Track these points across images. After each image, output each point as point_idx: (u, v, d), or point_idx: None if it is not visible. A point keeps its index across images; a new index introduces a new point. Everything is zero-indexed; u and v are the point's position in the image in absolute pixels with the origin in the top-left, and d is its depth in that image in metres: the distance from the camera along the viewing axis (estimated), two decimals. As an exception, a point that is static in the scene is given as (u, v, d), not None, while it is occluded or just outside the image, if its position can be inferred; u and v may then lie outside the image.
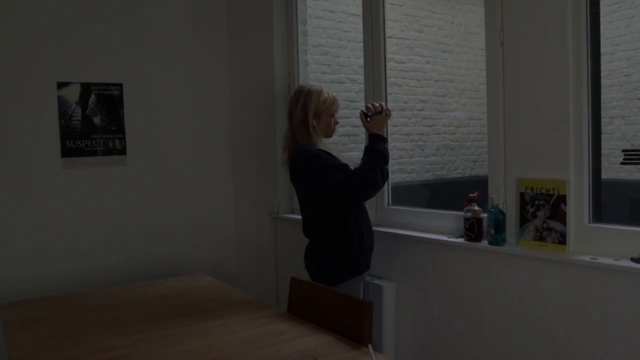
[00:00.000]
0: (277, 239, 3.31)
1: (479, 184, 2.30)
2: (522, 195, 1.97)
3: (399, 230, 2.47)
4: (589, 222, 1.86)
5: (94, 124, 3.14)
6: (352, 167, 2.21)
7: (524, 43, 1.94)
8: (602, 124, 1.95)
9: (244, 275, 3.59)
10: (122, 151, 3.22)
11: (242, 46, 3.49)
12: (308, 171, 2.24)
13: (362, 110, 2.27)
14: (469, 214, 2.12)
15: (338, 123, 2.41)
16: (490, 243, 2.04)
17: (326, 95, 2.32)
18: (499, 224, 2.01)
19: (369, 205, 2.70)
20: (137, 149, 3.28)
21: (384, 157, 2.18)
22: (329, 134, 2.37)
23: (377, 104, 2.27)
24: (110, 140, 3.19)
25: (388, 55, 2.66)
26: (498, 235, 2.02)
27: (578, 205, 1.86)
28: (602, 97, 1.92)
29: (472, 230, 2.11)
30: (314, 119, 2.28)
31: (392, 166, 2.73)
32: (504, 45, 2.01)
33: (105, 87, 3.16)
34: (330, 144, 2.50)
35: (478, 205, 2.12)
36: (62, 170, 3.05)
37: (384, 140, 2.23)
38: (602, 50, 1.93)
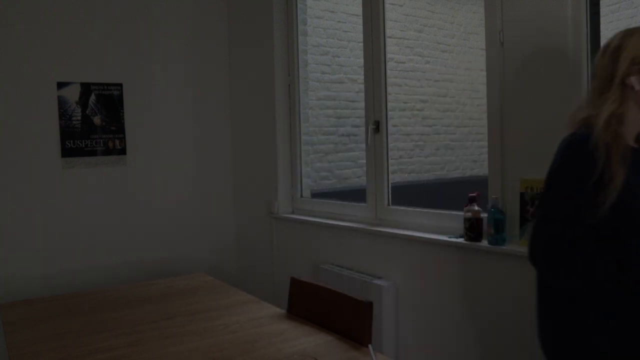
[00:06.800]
0: (277, 239, 3.31)
1: (479, 184, 2.30)
2: (522, 195, 1.97)
3: (399, 230, 2.47)
4: (589, 222, 1.86)
5: (94, 124, 3.14)
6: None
7: (524, 43, 1.94)
8: (602, 124, 1.93)
9: (244, 275, 3.59)
10: (122, 151, 3.22)
11: (242, 46, 3.49)
12: (548, 171, 1.35)
13: None
14: (469, 214, 2.12)
15: None
16: (490, 243, 2.04)
17: None
18: (499, 224, 2.01)
19: (368, 204, 2.70)
20: (137, 149, 3.28)
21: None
22: None
23: None
24: (110, 140, 3.19)
25: (388, 55, 2.66)
26: (498, 235, 2.01)
27: (578, 205, 1.85)
28: (602, 97, 1.91)
29: (472, 230, 2.11)
30: (636, 75, 1.28)
31: (392, 166, 2.72)
32: (504, 45, 2.01)
33: (105, 87, 3.16)
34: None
35: (478, 205, 2.12)
36: (62, 170, 3.05)
37: None
38: (602, 50, 1.91)
